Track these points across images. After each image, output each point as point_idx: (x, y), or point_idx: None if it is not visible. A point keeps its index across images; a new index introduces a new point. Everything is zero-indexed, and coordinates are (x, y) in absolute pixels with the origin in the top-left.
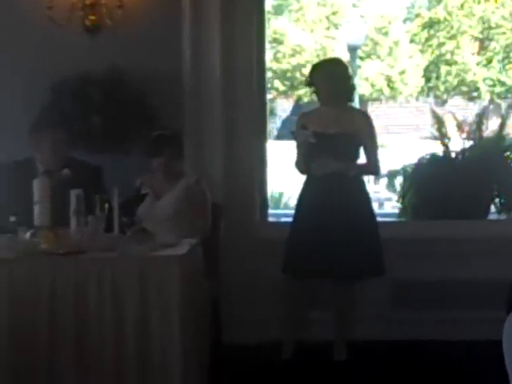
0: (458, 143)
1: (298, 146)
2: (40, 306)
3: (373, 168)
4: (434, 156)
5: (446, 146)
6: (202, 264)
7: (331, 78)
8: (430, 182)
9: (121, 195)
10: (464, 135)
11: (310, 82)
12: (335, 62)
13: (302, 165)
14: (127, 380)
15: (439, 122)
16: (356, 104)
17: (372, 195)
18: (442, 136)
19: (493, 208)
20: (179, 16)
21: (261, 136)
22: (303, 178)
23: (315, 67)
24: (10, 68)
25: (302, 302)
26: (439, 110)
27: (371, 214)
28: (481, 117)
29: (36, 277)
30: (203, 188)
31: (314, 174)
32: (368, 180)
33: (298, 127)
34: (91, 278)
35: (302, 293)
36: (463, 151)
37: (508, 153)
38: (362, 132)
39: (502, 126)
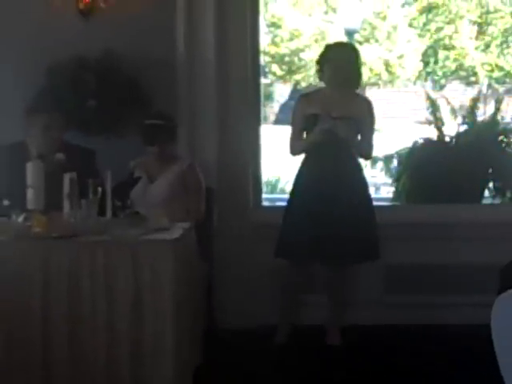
0: (453, 128)
1: (320, 131)
2: (33, 289)
3: (365, 150)
4: (427, 140)
5: (440, 130)
6: (195, 248)
7: (345, 60)
8: (423, 166)
9: (114, 179)
10: (458, 120)
11: (322, 61)
12: (350, 47)
13: (305, 147)
14: (121, 361)
15: (434, 106)
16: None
17: (369, 180)
18: (437, 120)
19: (487, 192)
20: (173, 0)
21: (255, 121)
22: (300, 162)
23: (330, 47)
24: (5, 51)
25: (297, 285)
26: (437, 95)
27: (368, 198)
28: (475, 101)
29: (29, 260)
30: (197, 172)
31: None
32: (365, 165)
33: (298, 109)
34: (84, 262)
35: (297, 277)
36: (457, 135)
37: (502, 137)
38: (362, 117)
39: (497, 110)
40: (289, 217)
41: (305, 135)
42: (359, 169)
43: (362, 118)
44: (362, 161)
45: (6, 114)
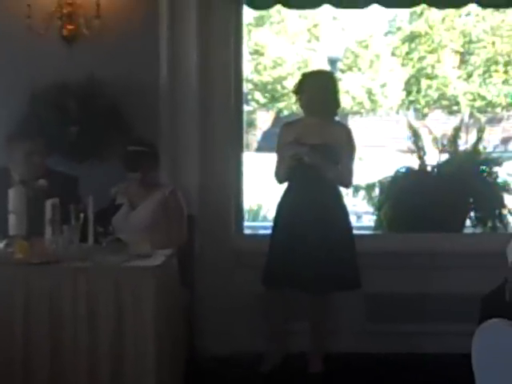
0: (435, 157)
1: (289, 157)
2: (15, 315)
3: (344, 179)
4: (409, 169)
5: (422, 159)
6: (176, 275)
7: (320, 89)
8: (405, 194)
9: (96, 205)
10: (440, 149)
11: (298, 90)
12: (326, 74)
13: (283, 175)
14: None
15: (415, 135)
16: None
17: (350, 208)
18: (419, 149)
19: (468, 222)
20: (156, 26)
21: (237, 147)
22: (282, 190)
23: (306, 76)
24: None
25: (279, 313)
26: (419, 124)
27: (348, 227)
28: (457, 131)
29: (10, 286)
30: (178, 199)
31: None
32: (347, 193)
33: (282, 137)
34: (66, 288)
35: (278, 303)
36: (439, 165)
37: (484, 167)
38: (340, 144)
39: (479, 139)
40: (273, 246)
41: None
42: (339, 197)
43: (339, 145)
44: (343, 189)
45: None
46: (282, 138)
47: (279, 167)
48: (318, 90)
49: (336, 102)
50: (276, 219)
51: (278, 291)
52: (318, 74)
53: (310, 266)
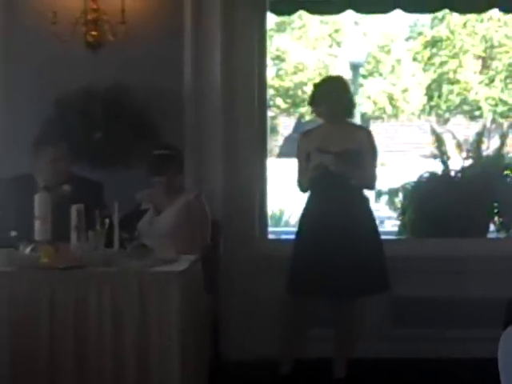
0: (458, 162)
1: (314, 167)
2: (40, 320)
3: (368, 182)
4: (433, 174)
5: (445, 164)
6: (201, 280)
7: (334, 95)
8: (429, 200)
9: (121, 210)
10: (463, 154)
11: (314, 101)
12: (337, 80)
13: (307, 184)
14: None
15: (439, 140)
16: (358, 122)
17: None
18: (442, 154)
19: (492, 226)
20: (181, 32)
21: (261, 153)
22: (304, 195)
23: (319, 86)
24: (14, 82)
25: (303, 320)
26: (441, 129)
27: (375, 230)
28: (480, 136)
29: (36, 291)
30: (203, 204)
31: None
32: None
33: (302, 146)
34: (91, 293)
35: (304, 311)
36: (463, 170)
37: (507, 171)
38: (363, 148)
39: (502, 144)
40: (297, 253)
41: None
42: (365, 201)
43: (361, 149)
44: (367, 193)
45: (14, 146)
46: (301, 147)
47: (301, 176)
48: (335, 97)
49: (351, 104)
50: (300, 226)
51: (303, 298)
52: (331, 81)
53: (337, 273)
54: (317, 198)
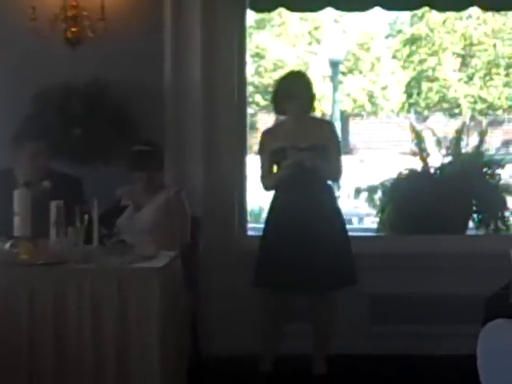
0: (438, 159)
1: (288, 164)
2: (19, 316)
3: (337, 174)
4: (412, 171)
5: (424, 161)
6: (180, 276)
7: (299, 90)
8: (408, 197)
9: (101, 207)
10: (443, 151)
11: (275, 97)
12: (301, 74)
13: (274, 182)
14: None
15: (418, 137)
16: (337, 119)
17: (352, 210)
18: (421, 151)
19: (471, 223)
20: (161, 29)
21: (241, 150)
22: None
23: (281, 82)
24: None
25: (280, 315)
26: (420, 127)
27: (342, 224)
28: (459, 133)
29: (15, 287)
30: (182, 200)
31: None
32: (348, 195)
33: (265, 145)
34: (70, 289)
35: (280, 306)
36: (442, 167)
37: (486, 169)
38: (329, 142)
39: (481, 142)
40: (265, 247)
41: (275, 168)
42: (333, 196)
43: (327, 142)
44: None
45: None
46: (265, 146)
47: (266, 174)
48: (300, 92)
49: (314, 99)
50: (267, 222)
51: (278, 293)
52: (294, 77)
53: (305, 266)
54: (285, 193)
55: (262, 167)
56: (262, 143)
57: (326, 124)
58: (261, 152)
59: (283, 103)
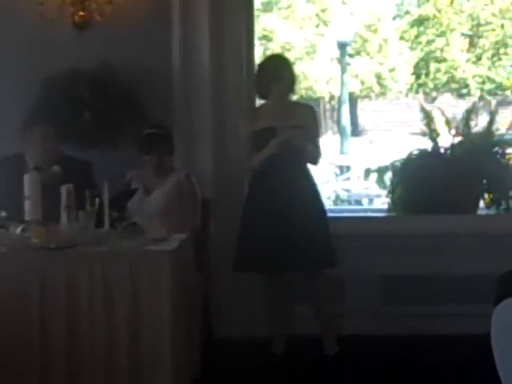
0: (448, 139)
1: (278, 143)
2: (31, 301)
3: (318, 156)
4: (422, 151)
5: (434, 141)
6: (192, 259)
7: (281, 73)
8: (418, 177)
9: (111, 190)
10: (452, 131)
11: (260, 81)
12: (283, 57)
13: (261, 161)
14: (119, 372)
15: (428, 117)
16: (346, 101)
17: (362, 191)
18: (431, 132)
19: (482, 203)
20: (169, 13)
21: None
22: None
23: (261, 66)
24: (0, 64)
25: (277, 296)
26: (430, 107)
27: (321, 206)
28: (469, 113)
29: (27, 271)
30: (193, 183)
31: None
32: (358, 176)
33: (249, 125)
34: (82, 273)
35: (276, 287)
36: (452, 147)
37: (497, 148)
38: (310, 125)
39: (491, 121)
40: (244, 230)
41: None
42: (311, 178)
43: (308, 125)
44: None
45: (2, 127)
46: (249, 125)
47: (250, 156)
48: (282, 74)
49: (294, 81)
50: (247, 203)
51: (276, 276)
52: (280, 59)
53: (285, 248)
54: (263, 175)
55: (247, 149)
56: (241, 127)
57: (307, 107)
58: (243, 133)
59: (270, 85)
